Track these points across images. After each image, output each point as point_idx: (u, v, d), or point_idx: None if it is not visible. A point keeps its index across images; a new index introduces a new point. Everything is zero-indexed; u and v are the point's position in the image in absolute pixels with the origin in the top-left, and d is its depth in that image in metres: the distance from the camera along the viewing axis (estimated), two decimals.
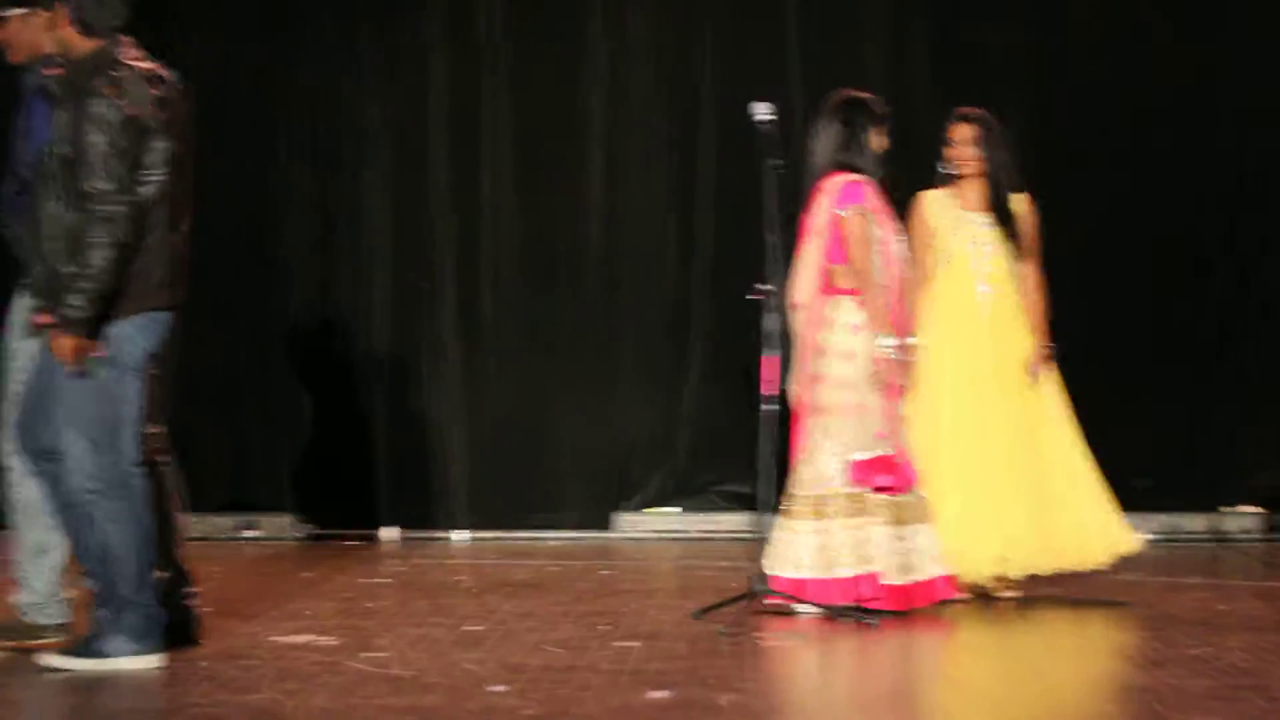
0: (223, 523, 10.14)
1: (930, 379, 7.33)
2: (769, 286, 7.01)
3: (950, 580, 7.07)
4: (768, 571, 6.90)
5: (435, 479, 10.63)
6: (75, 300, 5.49)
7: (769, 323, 6.99)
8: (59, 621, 6.12)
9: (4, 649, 6.13)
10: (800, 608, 6.88)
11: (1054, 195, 10.37)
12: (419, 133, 10.75)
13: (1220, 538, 10.30)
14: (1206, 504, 10.41)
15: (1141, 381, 10.40)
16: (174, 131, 5.76)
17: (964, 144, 7.62)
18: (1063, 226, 10.29)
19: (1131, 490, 10.30)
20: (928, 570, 7.02)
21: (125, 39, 5.82)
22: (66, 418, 5.68)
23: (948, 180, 7.68)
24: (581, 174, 10.73)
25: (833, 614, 6.82)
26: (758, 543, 7.04)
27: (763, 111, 7.12)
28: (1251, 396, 10.43)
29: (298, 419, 10.74)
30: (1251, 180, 10.56)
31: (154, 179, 5.66)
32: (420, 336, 10.73)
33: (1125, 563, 9.01)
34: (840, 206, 7.03)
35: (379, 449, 10.70)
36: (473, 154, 10.73)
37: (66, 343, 5.53)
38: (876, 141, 7.17)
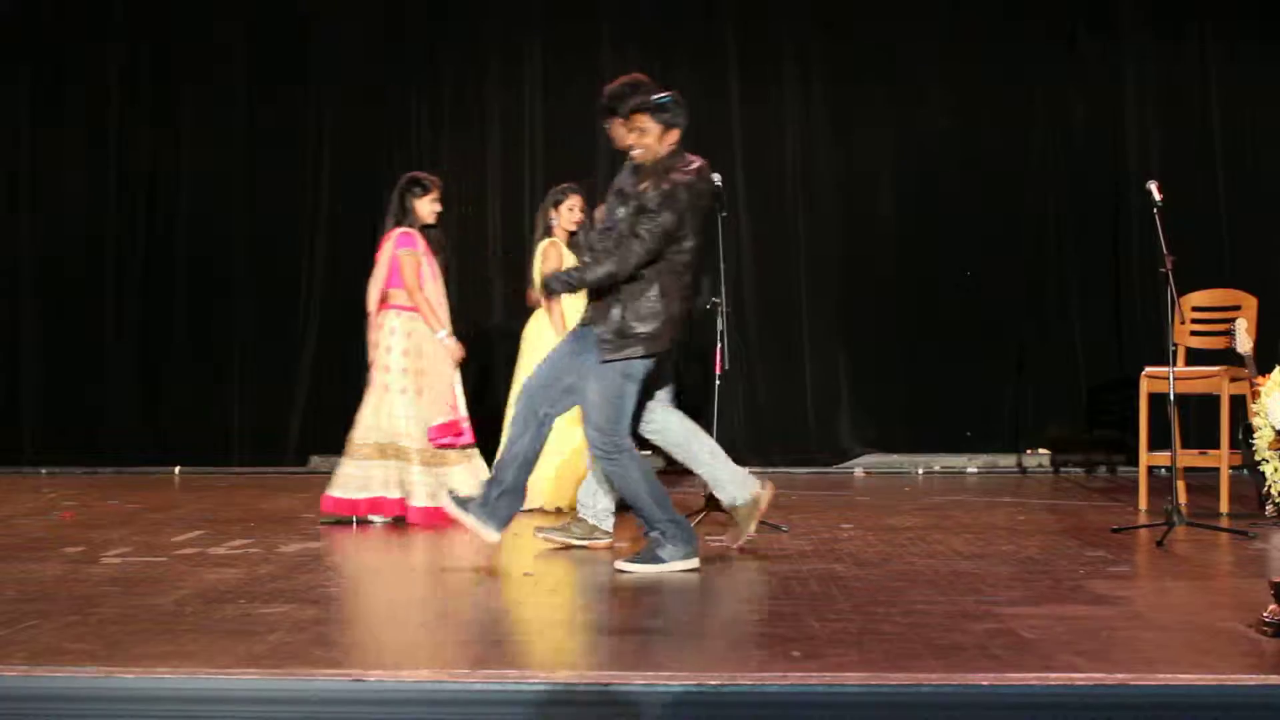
0: None
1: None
2: (718, 299, 7.07)
3: None
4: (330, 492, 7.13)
5: (491, 432, 10.57)
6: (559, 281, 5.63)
7: (720, 323, 7.04)
8: (755, 491, 5.92)
9: (753, 527, 5.96)
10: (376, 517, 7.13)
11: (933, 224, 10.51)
12: (480, 194, 10.71)
13: (1022, 470, 10.33)
14: (1013, 447, 10.45)
15: (971, 365, 10.44)
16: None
17: (577, 209, 7.66)
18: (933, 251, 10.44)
19: (963, 437, 10.46)
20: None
21: None
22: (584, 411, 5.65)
23: (551, 229, 7.66)
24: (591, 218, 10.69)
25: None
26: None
27: (715, 179, 7.17)
28: (1045, 375, 10.46)
29: None
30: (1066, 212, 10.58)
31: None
32: (479, 333, 10.69)
33: (955, 486, 9.10)
34: (399, 249, 7.22)
35: None
36: (517, 205, 10.68)
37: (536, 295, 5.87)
38: (428, 206, 7.33)
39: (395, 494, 7.11)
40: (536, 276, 7.60)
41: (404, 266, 7.20)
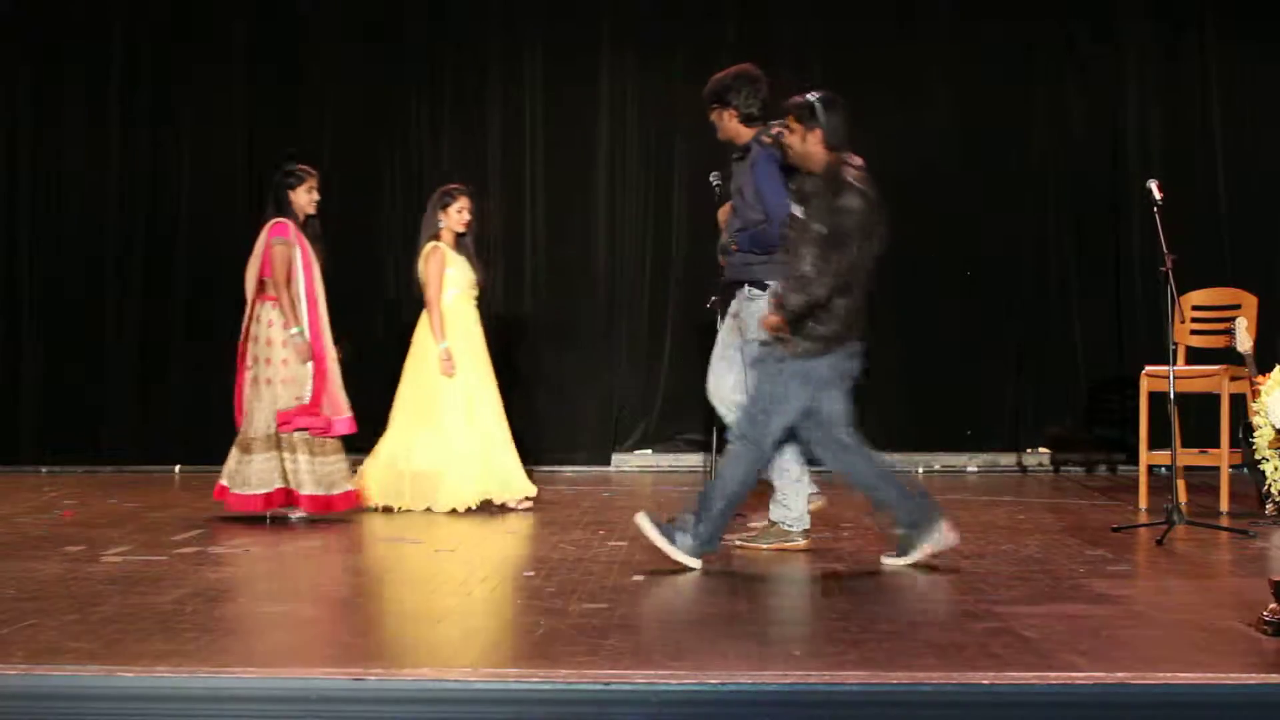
0: None
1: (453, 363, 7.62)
2: (718, 298, 7.05)
3: (359, 494, 7.30)
4: (233, 490, 7.15)
5: None
6: (794, 302, 5.46)
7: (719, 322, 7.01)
8: (804, 529, 6.04)
9: (768, 549, 6.03)
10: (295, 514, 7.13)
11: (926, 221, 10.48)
12: (479, 193, 10.66)
13: (1022, 469, 10.32)
14: (1013, 446, 10.44)
15: (971, 364, 10.42)
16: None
17: (466, 210, 7.77)
18: (931, 248, 10.41)
19: (963, 436, 10.45)
20: (343, 487, 7.18)
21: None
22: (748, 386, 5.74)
23: (438, 233, 7.74)
24: (591, 217, 10.68)
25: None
26: (707, 474, 7.09)
27: (715, 178, 7.22)
28: (1045, 374, 10.45)
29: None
30: (1060, 213, 10.57)
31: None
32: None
33: (955, 485, 9.09)
34: (272, 238, 7.20)
35: None
36: (518, 205, 10.68)
37: (773, 319, 5.52)
38: (305, 196, 7.31)
39: (283, 484, 7.08)
40: (422, 277, 7.70)
41: (275, 258, 7.16)
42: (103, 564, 5.67)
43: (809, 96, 5.67)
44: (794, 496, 6.05)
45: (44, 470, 10.39)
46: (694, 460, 10.38)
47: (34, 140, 10.80)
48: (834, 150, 5.64)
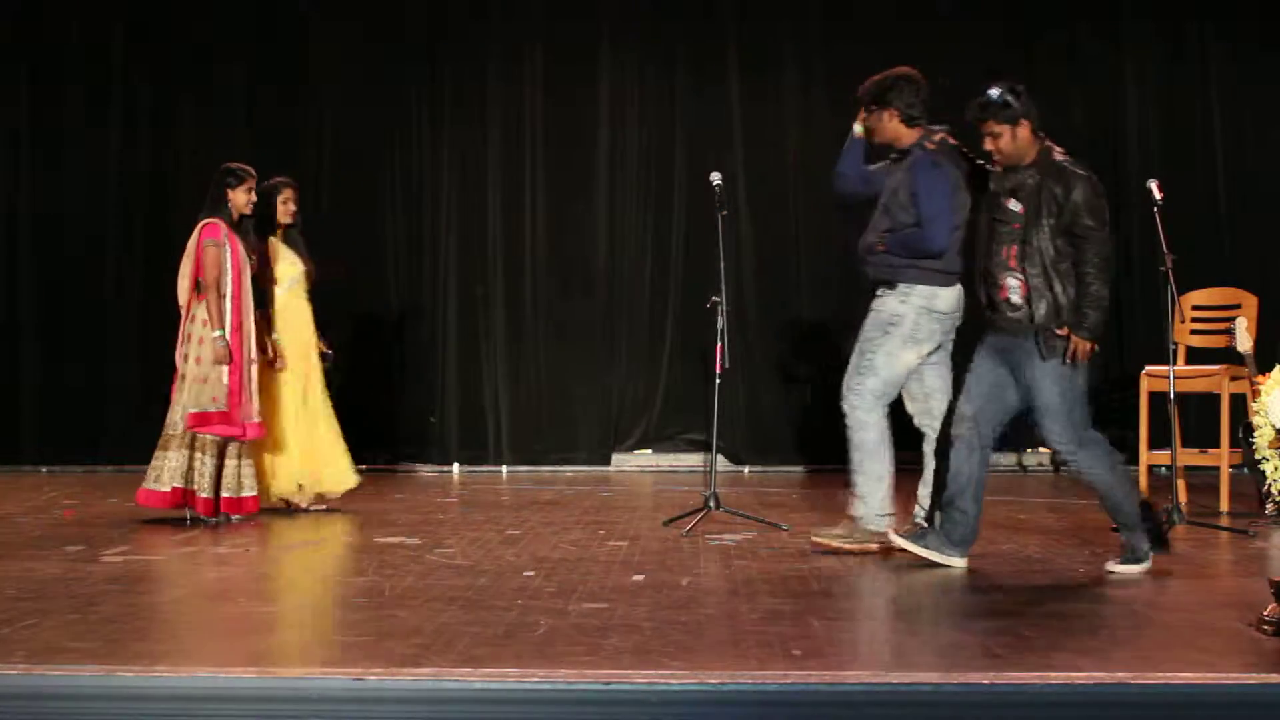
0: None
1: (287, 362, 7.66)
2: (718, 298, 7.04)
3: (258, 498, 7.29)
4: (144, 484, 7.15)
5: (488, 430, 10.61)
6: (1094, 320, 5.34)
7: (720, 322, 7.01)
8: (881, 530, 5.90)
9: (845, 549, 5.93)
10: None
11: None
12: (480, 193, 10.70)
13: (1022, 469, 10.33)
14: (1013, 446, 10.43)
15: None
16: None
17: (291, 202, 7.76)
18: None
19: None
20: (243, 492, 7.17)
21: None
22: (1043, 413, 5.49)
23: (272, 229, 7.71)
24: (591, 218, 10.69)
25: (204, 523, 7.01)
26: (707, 474, 7.07)
27: (716, 178, 7.21)
28: None
29: (398, 396, 10.69)
30: None
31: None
32: (478, 330, 10.69)
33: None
34: (204, 240, 7.20)
35: (450, 412, 10.67)
36: (518, 205, 10.68)
37: (1086, 348, 5.35)
38: (244, 196, 7.31)
39: (182, 484, 7.07)
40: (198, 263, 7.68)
41: (205, 260, 7.17)
42: (103, 564, 5.67)
43: (992, 94, 5.49)
44: (873, 495, 5.94)
45: (44, 470, 10.39)
46: (694, 460, 10.40)
47: (34, 140, 10.80)
48: (1037, 134, 5.52)
